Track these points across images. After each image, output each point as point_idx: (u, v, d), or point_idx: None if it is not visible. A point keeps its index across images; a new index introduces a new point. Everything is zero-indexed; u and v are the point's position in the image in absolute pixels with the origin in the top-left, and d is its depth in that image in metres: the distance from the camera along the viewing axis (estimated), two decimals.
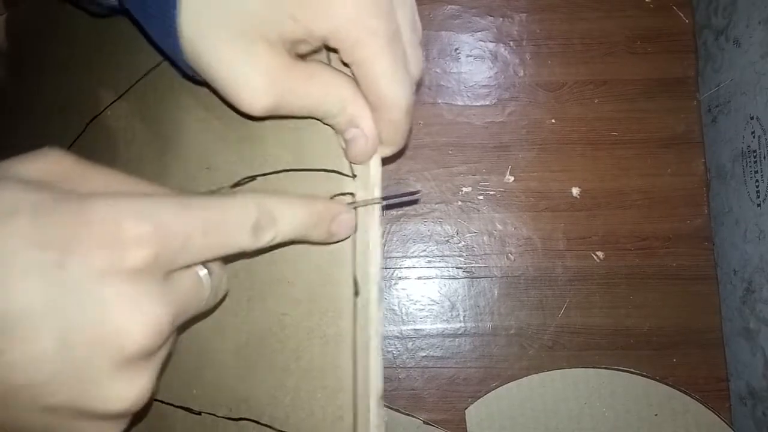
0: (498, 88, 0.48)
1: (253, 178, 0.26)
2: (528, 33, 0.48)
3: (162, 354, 0.19)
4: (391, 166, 0.47)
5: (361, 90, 0.23)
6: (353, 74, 0.23)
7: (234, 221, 0.20)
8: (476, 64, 0.48)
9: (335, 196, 0.24)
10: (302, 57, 0.23)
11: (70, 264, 0.16)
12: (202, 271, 0.20)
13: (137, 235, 0.17)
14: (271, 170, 0.26)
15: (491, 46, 0.49)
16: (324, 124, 0.24)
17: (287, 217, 0.22)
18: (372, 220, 0.24)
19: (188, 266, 0.19)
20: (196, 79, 0.24)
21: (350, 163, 0.24)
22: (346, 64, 0.23)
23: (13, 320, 0.16)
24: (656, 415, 0.44)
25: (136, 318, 0.17)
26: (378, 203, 0.24)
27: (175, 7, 0.21)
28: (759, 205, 0.41)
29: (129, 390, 0.18)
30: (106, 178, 0.20)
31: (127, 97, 0.31)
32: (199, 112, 0.28)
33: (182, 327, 0.20)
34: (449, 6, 0.49)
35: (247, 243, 0.20)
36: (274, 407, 0.25)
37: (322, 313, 0.24)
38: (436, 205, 0.47)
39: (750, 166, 0.42)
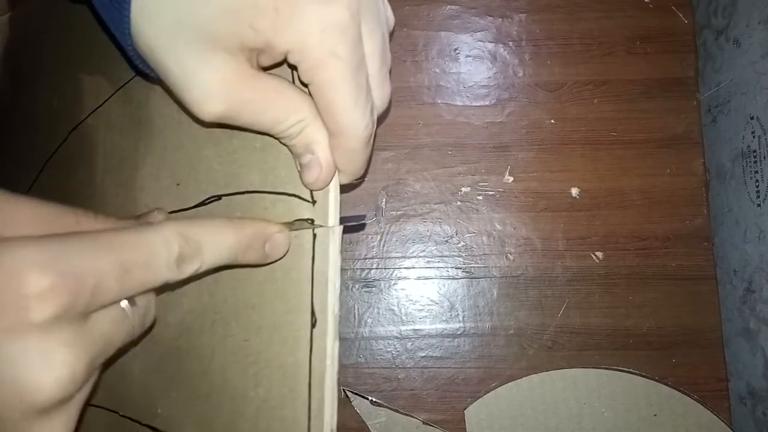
0: (497, 88, 0.48)
1: (218, 197, 0.26)
2: (527, 33, 0.48)
3: (80, 396, 0.18)
4: (391, 166, 0.47)
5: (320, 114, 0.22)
6: (312, 96, 0.22)
7: (155, 257, 0.19)
8: (475, 64, 0.48)
9: (296, 221, 0.24)
10: (265, 69, 0.23)
11: None
12: (124, 304, 0.19)
13: (42, 288, 0.16)
14: (236, 191, 0.26)
15: (490, 46, 0.49)
16: (282, 144, 0.24)
17: (213, 244, 0.21)
18: (330, 248, 0.23)
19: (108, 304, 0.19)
20: (148, 75, 0.23)
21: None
22: (305, 84, 0.22)
23: None
24: (656, 415, 0.44)
25: (47, 371, 0.17)
26: (307, 228, 0.23)
27: (128, 1, 0.20)
28: (759, 205, 0.41)
29: None
30: (13, 211, 0.18)
31: (107, 107, 0.31)
32: (172, 129, 0.28)
33: (109, 359, 0.20)
34: (448, 6, 0.49)
35: (169, 276, 0.20)
36: None
37: (281, 342, 0.24)
38: (436, 206, 0.47)
39: (750, 166, 0.42)
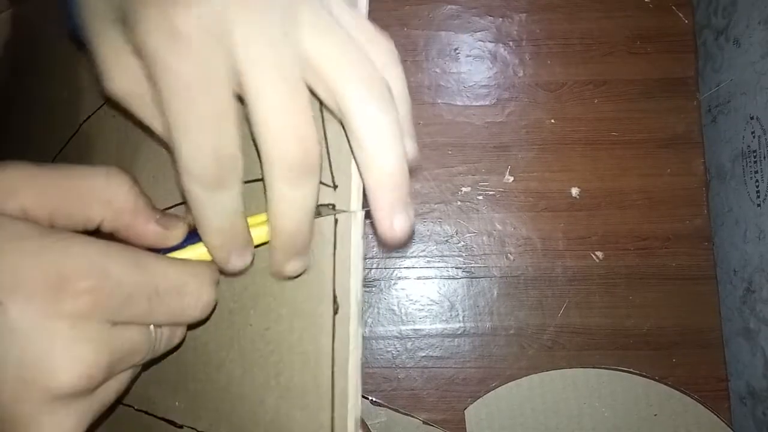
0: (497, 88, 0.48)
1: None
2: (527, 33, 0.48)
3: (95, 401, 0.19)
4: None
5: None
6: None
7: (186, 297, 0.20)
8: (476, 64, 0.48)
9: (317, 206, 0.24)
10: None
11: (10, 305, 0.17)
12: (151, 326, 0.21)
13: (83, 286, 0.17)
14: (256, 177, 0.26)
15: (491, 46, 0.49)
16: None
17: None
18: (352, 233, 0.23)
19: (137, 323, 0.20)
20: (80, 41, 0.23)
21: (331, 172, 0.23)
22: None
23: None
24: (656, 415, 0.44)
25: (67, 359, 0.17)
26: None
27: None
28: (759, 205, 0.41)
29: (53, 430, 0.18)
30: (62, 191, 0.19)
31: None
32: None
33: (135, 371, 0.21)
34: (449, 6, 0.49)
35: (197, 318, 0.21)
36: (254, 424, 0.25)
37: (303, 330, 0.24)
38: (436, 205, 0.47)
39: (750, 166, 0.42)
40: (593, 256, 0.46)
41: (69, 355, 0.17)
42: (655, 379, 0.45)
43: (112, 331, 0.19)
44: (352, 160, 0.23)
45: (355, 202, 0.23)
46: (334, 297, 0.23)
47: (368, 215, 0.24)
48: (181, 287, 0.20)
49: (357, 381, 0.22)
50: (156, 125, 0.21)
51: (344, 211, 0.23)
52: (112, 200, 0.20)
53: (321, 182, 0.24)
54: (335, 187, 0.23)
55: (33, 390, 0.17)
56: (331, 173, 0.24)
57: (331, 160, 0.24)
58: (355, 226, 0.23)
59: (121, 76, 0.20)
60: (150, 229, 0.21)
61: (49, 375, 0.17)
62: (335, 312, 0.23)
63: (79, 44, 0.23)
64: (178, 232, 0.22)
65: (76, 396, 0.18)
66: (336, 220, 0.23)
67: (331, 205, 0.23)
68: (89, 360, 0.18)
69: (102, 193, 0.20)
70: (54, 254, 0.17)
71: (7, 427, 0.18)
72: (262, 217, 0.23)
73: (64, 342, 0.17)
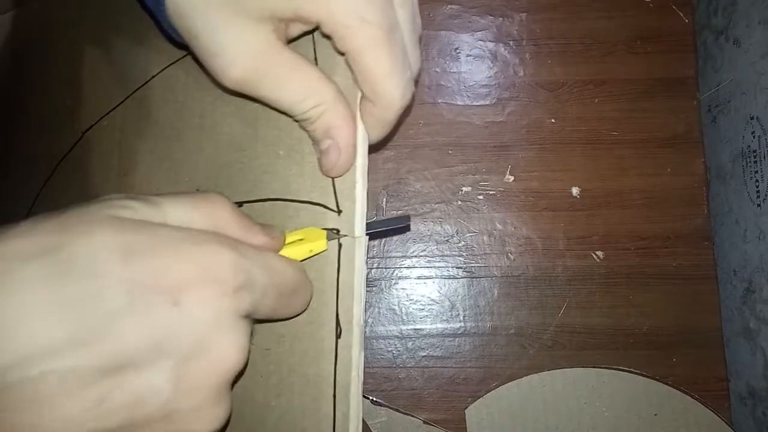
0: (498, 87, 0.48)
1: (239, 204, 0.26)
2: (528, 33, 0.48)
3: None
4: (391, 166, 0.47)
5: (348, 89, 0.23)
6: (349, 66, 0.22)
7: (299, 296, 0.22)
8: (476, 63, 0.48)
9: (322, 230, 0.24)
10: (294, 40, 0.23)
11: (185, 301, 0.18)
12: None
13: (235, 285, 0.19)
14: (258, 198, 0.26)
15: (491, 45, 0.49)
16: (302, 129, 0.24)
17: None
18: (356, 258, 0.23)
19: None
20: (176, 41, 0.24)
21: (336, 197, 0.24)
22: (342, 54, 0.22)
23: (128, 357, 0.17)
24: (656, 414, 0.44)
25: (233, 347, 0.19)
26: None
27: None
28: (759, 205, 0.41)
29: (218, 413, 0.20)
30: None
31: (123, 109, 0.30)
32: (192, 132, 0.28)
33: None
34: (449, 5, 0.49)
35: (298, 313, 0.23)
36: None
37: (304, 352, 0.24)
38: (436, 205, 0.47)
39: (750, 166, 0.42)
40: (594, 255, 0.46)
41: (235, 344, 0.19)
42: (655, 379, 0.45)
43: (247, 322, 0.21)
44: (356, 187, 0.23)
45: (359, 228, 0.23)
46: (337, 321, 0.23)
47: (372, 237, 0.24)
48: (297, 287, 0.22)
49: (358, 405, 0.23)
50: (285, 99, 0.23)
51: (348, 236, 0.23)
52: (223, 228, 0.21)
53: (325, 206, 0.24)
54: (339, 212, 0.24)
55: (208, 377, 0.19)
56: (336, 199, 0.24)
57: (336, 186, 0.24)
58: (358, 250, 0.23)
59: (244, 60, 0.22)
60: (259, 241, 0.22)
61: (223, 363, 0.19)
62: (338, 336, 0.23)
63: (178, 46, 0.24)
64: (279, 242, 0.23)
65: (231, 383, 0.20)
66: (340, 245, 0.23)
67: (335, 230, 0.23)
68: (246, 348, 0.20)
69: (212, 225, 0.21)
70: (208, 257, 0.19)
71: (181, 421, 0.19)
72: (299, 234, 0.23)
73: (230, 333, 0.19)
